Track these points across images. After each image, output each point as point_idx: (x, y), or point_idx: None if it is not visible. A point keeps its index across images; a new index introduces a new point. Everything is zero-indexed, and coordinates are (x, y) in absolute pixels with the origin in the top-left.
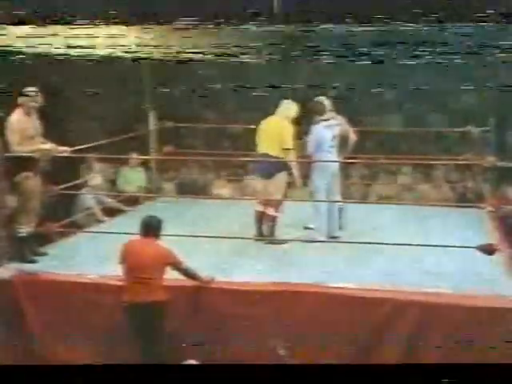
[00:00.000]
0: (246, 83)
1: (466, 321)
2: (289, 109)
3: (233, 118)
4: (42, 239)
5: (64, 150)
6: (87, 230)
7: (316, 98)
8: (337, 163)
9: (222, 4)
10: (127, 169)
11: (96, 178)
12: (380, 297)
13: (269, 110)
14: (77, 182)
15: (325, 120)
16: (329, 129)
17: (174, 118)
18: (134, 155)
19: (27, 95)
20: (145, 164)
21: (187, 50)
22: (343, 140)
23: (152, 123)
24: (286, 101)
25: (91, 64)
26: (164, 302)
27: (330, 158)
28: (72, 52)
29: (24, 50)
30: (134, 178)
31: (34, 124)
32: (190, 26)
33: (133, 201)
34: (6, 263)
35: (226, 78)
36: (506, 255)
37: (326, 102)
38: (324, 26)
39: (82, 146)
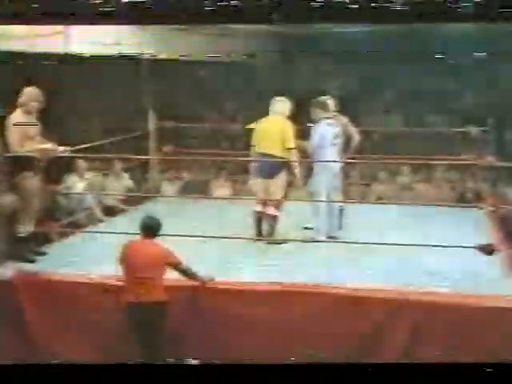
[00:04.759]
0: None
1: (465, 321)
2: (284, 106)
3: (232, 118)
4: (41, 239)
5: (64, 150)
6: (87, 229)
7: (320, 97)
8: (338, 163)
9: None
10: (112, 178)
11: (77, 184)
12: (380, 297)
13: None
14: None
15: (327, 118)
16: (330, 127)
17: (174, 118)
18: (118, 163)
19: (27, 94)
20: (143, 165)
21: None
22: (346, 140)
23: (152, 123)
24: (279, 98)
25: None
26: (164, 302)
27: (331, 158)
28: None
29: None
30: (117, 188)
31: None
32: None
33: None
34: (6, 263)
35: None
36: (506, 255)
37: (330, 101)
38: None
39: (81, 146)
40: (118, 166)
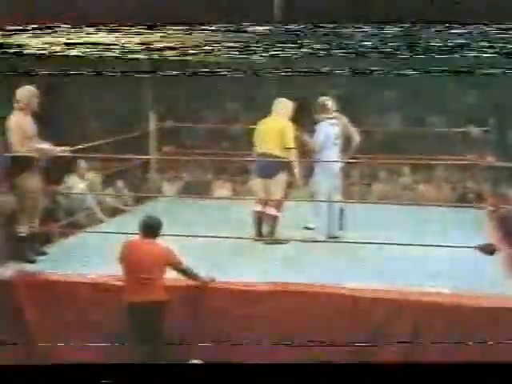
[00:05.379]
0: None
1: (465, 321)
2: (285, 107)
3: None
4: (42, 239)
5: (63, 150)
6: (87, 229)
7: (320, 98)
8: (339, 163)
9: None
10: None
11: (78, 185)
12: (380, 297)
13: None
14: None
15: (329, 118)
16: (332, 127)
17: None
18: (120, 180)
19: (24, 94)
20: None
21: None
22: (346, 141)
23: (152, 123)
24: (280, 99)
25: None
26: (164, 302)
27: (333, 158)
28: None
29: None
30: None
31: (31, 124)
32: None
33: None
34: (7, 263)
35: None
36: (506, 255)
37: (330, 102)
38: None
39: (80, 146)
40: (120, 184)
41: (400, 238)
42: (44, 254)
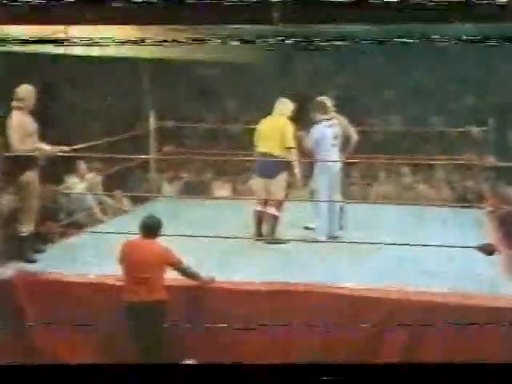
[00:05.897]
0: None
1: (465, 321)
2: (286, 107)
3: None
4: (42, 238)
5: (62, 150)
6: (87, 230)
7: (318, 98)
8: (338, 163)
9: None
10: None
11: (78, 185)
12: (380, 297)
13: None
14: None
15: (326, 119)
16: (330, 128)
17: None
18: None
19: (22, 93)
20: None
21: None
22: (345, 140)
23: (152, 123)
24: (282, 99)
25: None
26: (164, 302)
27: (331, 158)
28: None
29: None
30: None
31: (31, 123)
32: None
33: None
34: (7, 263)
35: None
36: (505, 255)
37: (328, 101)
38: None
39: (79, 146)
40: (119, 194)
41: (400, 237)
42: (43, 251)
